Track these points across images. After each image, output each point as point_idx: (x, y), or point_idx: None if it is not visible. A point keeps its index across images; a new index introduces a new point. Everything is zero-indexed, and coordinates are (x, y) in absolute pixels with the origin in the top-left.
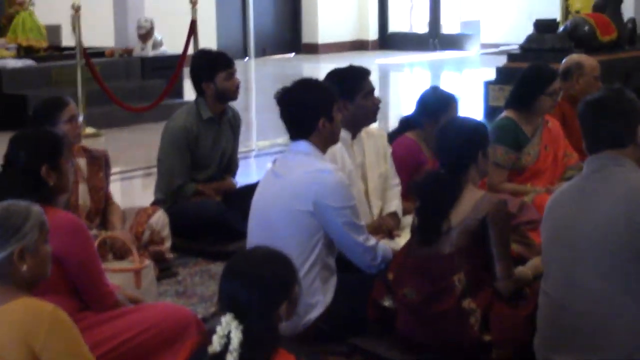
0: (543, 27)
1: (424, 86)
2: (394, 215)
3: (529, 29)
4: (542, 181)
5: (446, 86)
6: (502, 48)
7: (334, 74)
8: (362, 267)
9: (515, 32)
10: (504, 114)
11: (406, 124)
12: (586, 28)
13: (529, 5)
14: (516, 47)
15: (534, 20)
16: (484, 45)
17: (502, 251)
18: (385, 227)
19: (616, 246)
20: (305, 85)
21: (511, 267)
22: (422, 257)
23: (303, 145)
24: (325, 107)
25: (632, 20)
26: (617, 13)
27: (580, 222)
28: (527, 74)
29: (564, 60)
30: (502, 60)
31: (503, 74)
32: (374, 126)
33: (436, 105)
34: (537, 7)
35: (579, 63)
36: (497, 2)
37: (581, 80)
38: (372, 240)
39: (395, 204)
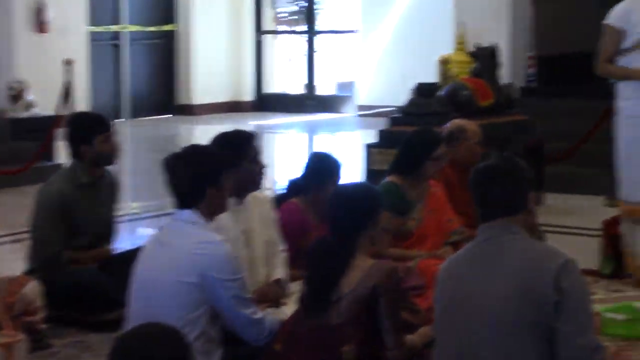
0: (424, 91)
1: (300, 148)
2: (279, 282)
3: (404, 92)
4: (427, 246)
5: (325, 149)
6: (377, 110)
7: (221, 138)
8: (249, 341)
9: (389, 94)
10: (388, 178)
11: (294, 188)
12: (465, 93)
13: (403, 68)
14: (391, 109)
15: (407, 82)
16: (359, 107)
17: (393, 321)
18: (271, 295)
19: (510, 318)
20: (194, 152)
21: (402, 337)
22: (312, 328)
23: (188, 214)
24: (214, 175)
25: (509, 85)
26: (493, 78)
27: (475, 293)
28: (412, 139)
29: (446, 125)
30: (378, 123)
31: (385, 137)
32: (259, 191)
33: (322, 170)
34: (410, 69)
35: (461, 128)
36: (371, 64)
37: (463, 146)
38: (260, 313)
39: (280, 271)
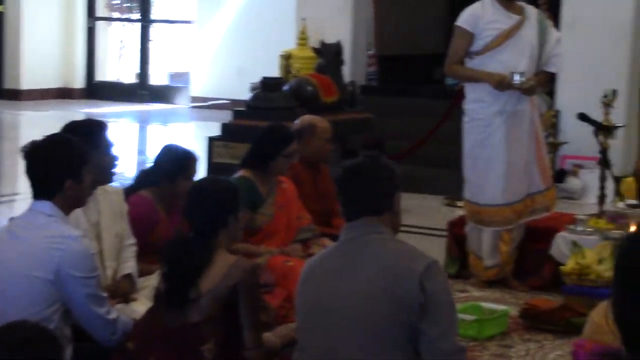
0: (269, 85)
1: (131, 138)
2: (129, 277)
3: (239, 85)
4: (276, 242)
5: (177, 141)
6: (211, 102)
7: (70, 127)
8: (100, 340)
9: (224, 87)
10: (240, 172)
11: (143, 180)
12: (309, 88)
13: (239, 61)
14: (225, 102)
15: (244, 76)
16: (193, 99)
17: (252, 319)
18: (121, 290)
19: (378, 319)
20: (55, 142)
21: (261, 336)
22: (169, 326)
23: (45, 205)
24: (74, 168)
25: (352, 83)
26: (338, 75)
27: (340, 293)
28: (265, 134)
29: (296, 121)
30: (212, 115)
31: (228, 131)
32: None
33: (173, 164)
34: (247, 63)
35: (311, 124)
36: (206, 56)
37: (313, 142)
38: (114, 313)
39: (130, 265)
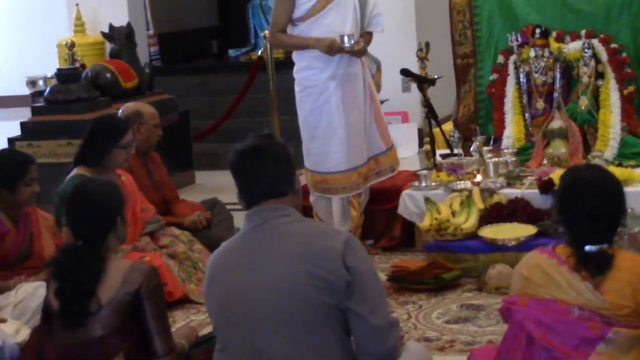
0: (66, 76)
1: None
2: None
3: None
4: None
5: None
6: None
7: None
8: None
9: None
10: (75, 171)
11: None
12: (108, 75)
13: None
14: None
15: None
16: None
17: (160, 325)
18: None
19: (298, 304)
20: None
21: (172, 341)
22: (70, 344)
23: None
24: None
25: (149, 65)
26: (134, 59)
27: (257, 285)
28: (97, 128)
29: (121, 110)
30: None
31: (29, 130)
32: None
33: (10, 170)
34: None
35: (137, 112)
36: None
37: (142, 129)
38: (0, 341)
39: None
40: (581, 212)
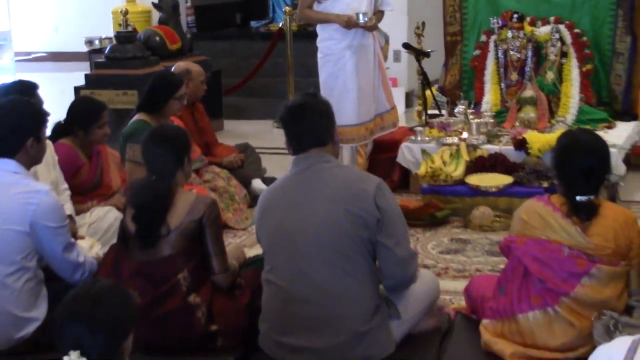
0: (123, 38)
1: None
2: (70, 218)
3: (55, 39)
4: None
5: (86, 93)
6: (33, 55)
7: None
8: (70, 281)
9: (43, 41)
10: (137, 116)
11: (59, 130)
12: (157, 39)
13: (54, 19)
14: (44, 54)
15: (59, 31)
16: (17, 54)
17: (218, 248)
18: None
19: (337, 236)
20: (17, 104)
21: (227, 261)
22: (143, 262)
23: (10, 164)
24: (36, 127)
25: (189, 31)
26: (178, 25)
27: (301, 217)
28: (157, 82)
29: (173, 68)
30: (35, 67)
31: (91, 80)
32: None
33: (85, 114)
34: (62, 20)
35: (187, 69)
36: (25, 14)
37: (191, 84)
38: (82, 257)
39: (68, 207)
40: (577, 168)
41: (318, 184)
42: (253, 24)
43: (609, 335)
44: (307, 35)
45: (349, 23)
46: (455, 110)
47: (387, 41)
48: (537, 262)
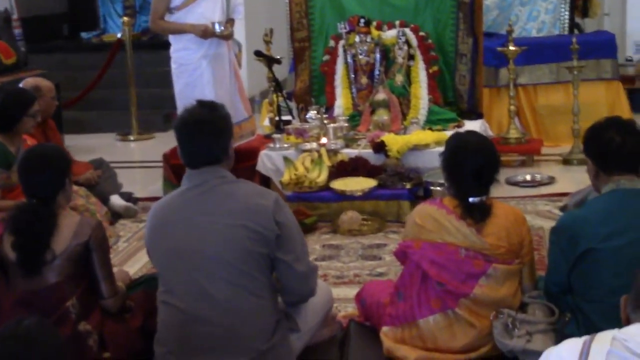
0: None
1: None
2: None
3: None
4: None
5: None
6: None
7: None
8: None
9: None
10: None
11: None
12: None
13: None
14: None
15: None
16: None
17: (106, 271)
18: None
19: (237, 253)
20: None
21: (115, 285)
22: (28, 291)
23: None
24: None
25: (23, 44)
26: (12, 39)
27: (198, 236)
28: (7, 99)
29: (21, 84)
30: None
31: None
32: None
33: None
34: None
35: (37, 86)
36: None
37: (41, 101)
38: None
39: None
40: (467, 169)
41: (214, 200)
42: (84, 35)
43: (508, 333)
44: (147, 46)
45: (206, 33)
46: (307, 116)
47: (240, 49)
48: (435, 266)
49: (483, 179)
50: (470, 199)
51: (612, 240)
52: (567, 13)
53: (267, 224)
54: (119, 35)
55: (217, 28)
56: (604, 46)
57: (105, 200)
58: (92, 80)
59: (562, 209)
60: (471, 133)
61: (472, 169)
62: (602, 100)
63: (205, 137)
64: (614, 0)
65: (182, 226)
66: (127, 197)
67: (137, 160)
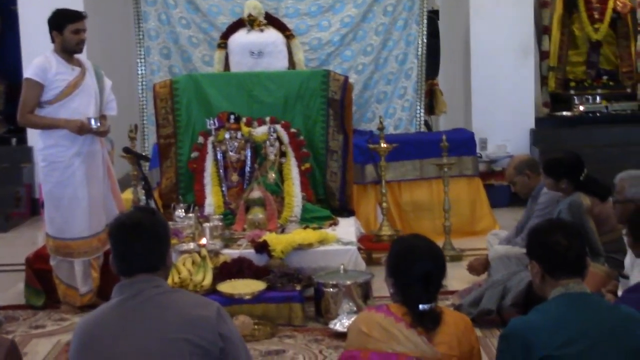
0: None
1: None
2: None
3: None
4: None
5: None
6: None
7: None
8: None
9: None
10: None
11: None
12: None
13: None
14: None
15: None
16: None
17: None
18: None
19: None
20: None
21: None
22: None
23: None
24: None
25: None
26: None
27: (134, 352)
28: None
29: None
30: None
31: None
32: None
33: None
34: None
35: None
36: None
37: None
38: None
39: None
40: (415, 275)
41: (151, 312)
42: None
43: None
44: None
45: (82, 129)
46: (175, 214)
47: (112, 146)
48: None
49: (432, 284)
50: (421, 307)
51: (571, 346)
52: (422, 111)
53: (211, 337)
54: None
55: (94, 124)
56: (464, 144)
57: None
58: None
59: (457, 308)
60: (416, 237)
61: (421, 275)
62: (465, 196)
63: (145, 242)
64: (458, 98)
65: (112, 343)
66: None
67: None
